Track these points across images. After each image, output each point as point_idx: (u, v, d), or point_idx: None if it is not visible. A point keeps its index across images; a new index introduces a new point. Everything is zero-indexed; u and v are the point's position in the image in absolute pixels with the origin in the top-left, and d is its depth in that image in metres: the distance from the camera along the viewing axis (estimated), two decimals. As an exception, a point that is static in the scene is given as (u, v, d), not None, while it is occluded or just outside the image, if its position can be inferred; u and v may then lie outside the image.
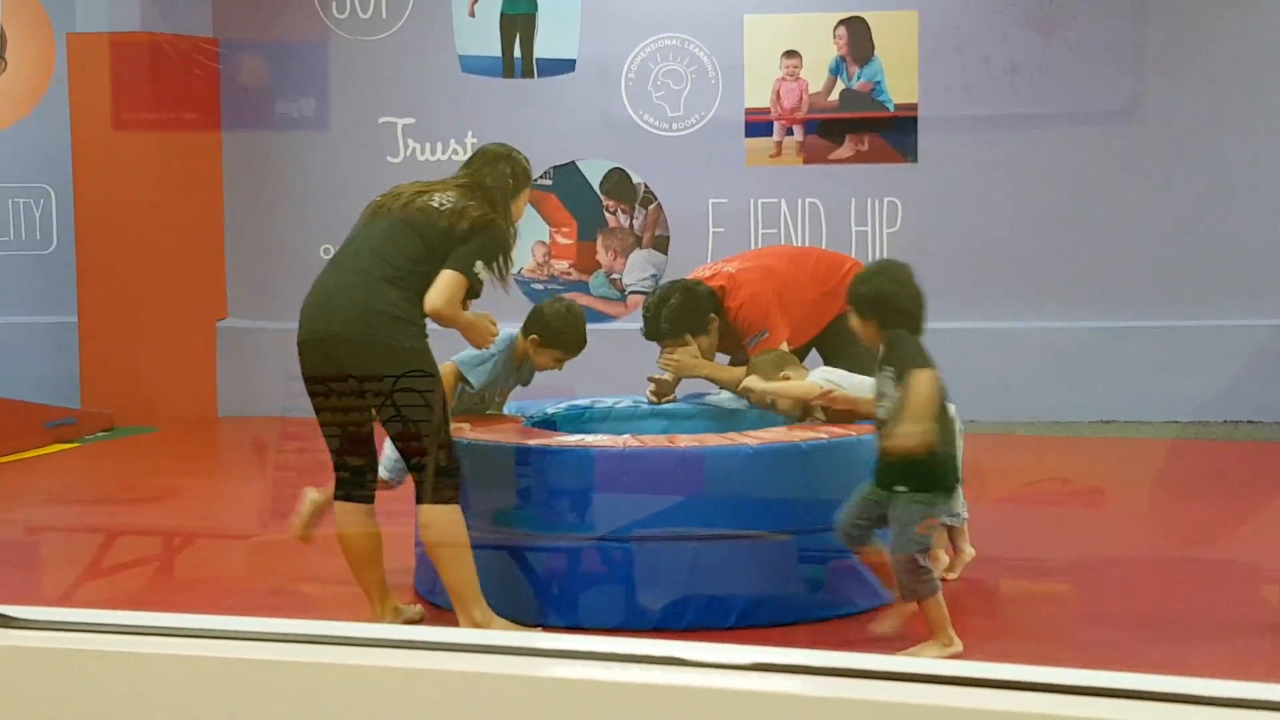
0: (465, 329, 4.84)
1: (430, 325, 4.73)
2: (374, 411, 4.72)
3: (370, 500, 4.84)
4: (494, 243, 4.77)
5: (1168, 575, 5.29)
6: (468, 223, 4.72)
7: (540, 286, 10.00)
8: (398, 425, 4.67)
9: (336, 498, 4.84)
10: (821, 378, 5.35)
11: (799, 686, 1.62)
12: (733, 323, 5.76)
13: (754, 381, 5.33)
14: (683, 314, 5.66)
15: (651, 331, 5.76)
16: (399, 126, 10.25)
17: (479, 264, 4.69)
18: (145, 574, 6.05)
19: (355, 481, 4.82)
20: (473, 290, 4.71)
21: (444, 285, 4.65)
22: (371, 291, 4.66)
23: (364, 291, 4.67)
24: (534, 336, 5.44)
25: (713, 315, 5.73)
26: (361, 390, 4.66)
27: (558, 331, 5.44)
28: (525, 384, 5.65)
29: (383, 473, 5.19)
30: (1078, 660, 4.59)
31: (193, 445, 9.73)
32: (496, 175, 4.94)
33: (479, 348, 5.09)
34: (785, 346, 5.73)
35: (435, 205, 4.78)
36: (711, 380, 5.87)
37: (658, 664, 1.69)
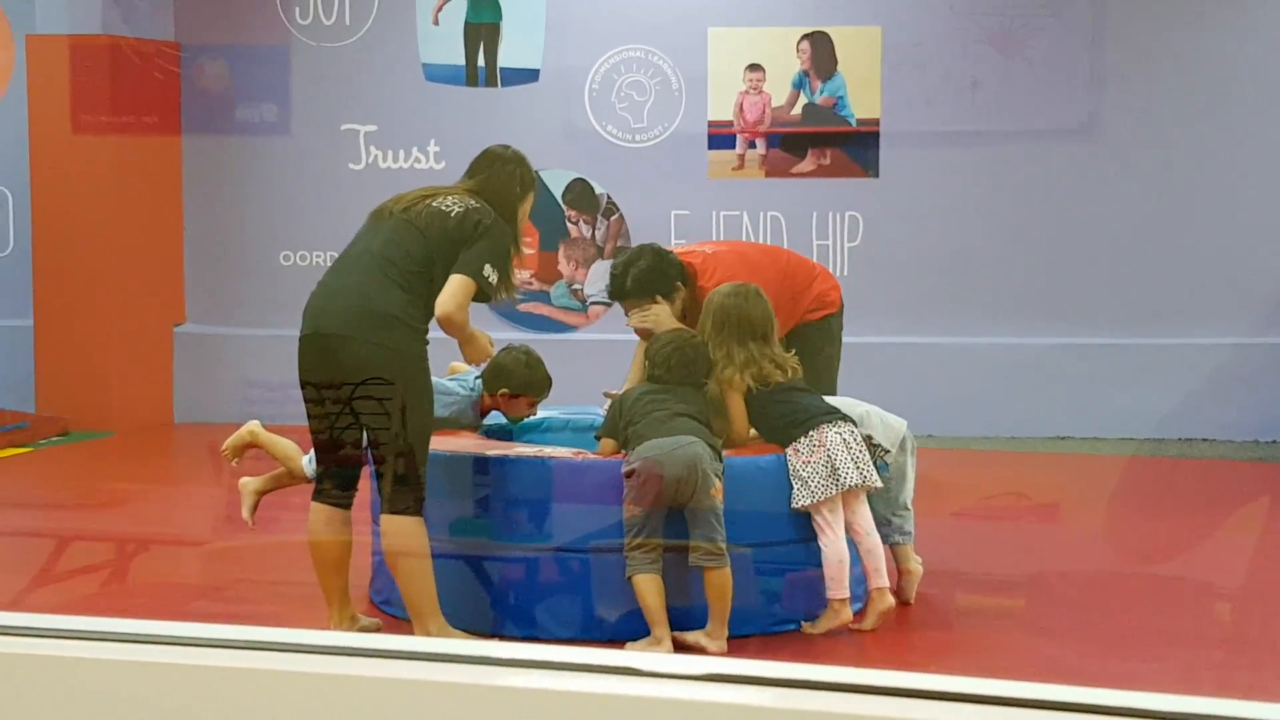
0: (466, 342, 4.77)
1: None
2: (360, 416, 4.63)
3: (348, 506, 4.77)
4: (501, 245, 4.72)
5: (1122, 591, 5.32)
6: (473, 225, 4.68)
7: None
8: (383, 430, 4.60)
9: (315, 499, 4.77)
10: None
11: (751, 697, 1.62)
12: (702, 302, 5.47)
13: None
14: (651, 275, 5.40)
15: (617, 290, 5.49)
16: (361, 134, 10.22)
17: (488, 267, 4.64)
18: (98, 580, 6.00)
19: (337, 486, 4.75)
20: (482, 294, 4.65)
21: (454, 290, 4.59)
22: (375, 292, 4.61)
23: (367, 292, 4.62)
24: (503, 391, 5.40)
25: (679, 284, 5.48)
26: (355, 394, 4.59)
27: (524, 381, 5.39)
28: (476, 429, 5.57)
29: (306, 466, 5.17)
30: (1031, 675, 4.60)
31: (148, 451, 9.66)
32: (504, 178, 4.90)
33: (473, 363, 5.03)
34: None
35: (440, 208, 4.73)
36: None
37: (612, 673, 1.68)
